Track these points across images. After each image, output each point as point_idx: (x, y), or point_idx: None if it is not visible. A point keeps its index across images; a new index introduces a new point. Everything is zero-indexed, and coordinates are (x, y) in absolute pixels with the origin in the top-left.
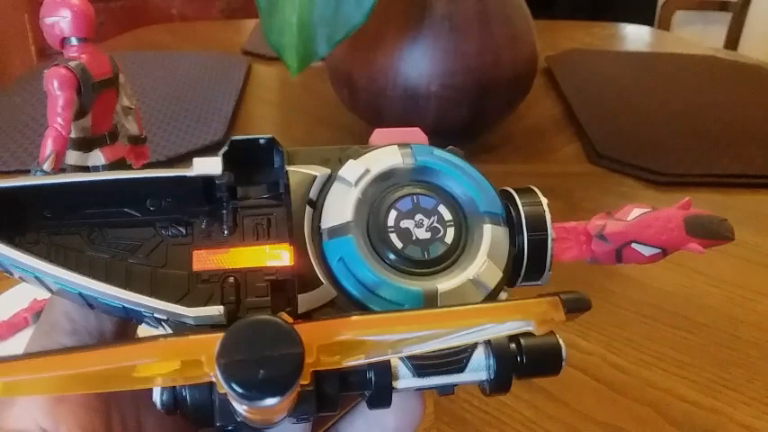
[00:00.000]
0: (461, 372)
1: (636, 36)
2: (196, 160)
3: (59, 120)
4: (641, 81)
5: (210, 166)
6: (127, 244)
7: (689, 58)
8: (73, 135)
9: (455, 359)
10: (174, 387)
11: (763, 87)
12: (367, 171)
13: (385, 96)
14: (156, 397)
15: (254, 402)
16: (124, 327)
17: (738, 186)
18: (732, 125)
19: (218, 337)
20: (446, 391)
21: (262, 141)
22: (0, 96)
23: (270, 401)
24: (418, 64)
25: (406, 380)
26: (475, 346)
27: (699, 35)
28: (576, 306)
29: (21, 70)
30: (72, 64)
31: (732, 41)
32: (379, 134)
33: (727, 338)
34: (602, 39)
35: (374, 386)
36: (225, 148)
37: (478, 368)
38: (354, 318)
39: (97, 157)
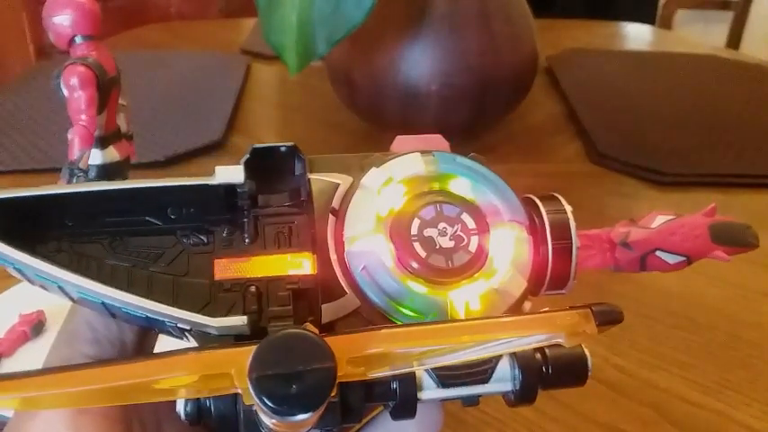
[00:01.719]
0: (486, 383)
1: (637, 35)
2: (218, 168)
3: (84, 117)
4: (642, 80)
5: (233, 174)
6: (148, 252)
7: (690, 58)
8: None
9: (480, 370)
10: (198, 398)
11: (765, 87)
12: (390, 179)
13: (385, 96)
14: (180, 408)
15: (286, 417)
16: (145, 335)
17: (740, 186)
18: (734, 125)
19: (248, 350)
20: (471, 401)
21: (283, 149)
22: None
23: (301, 417)
24: (418, 63)
25: (430, 391)
26: (500, 356)
27: (700, 34)
28: (608, 318)
29: (19, 70)
30: (89, 60)
31: (734, 41)
32: (400, 141)
33: (729, 339)
34: (604, 38)
35: (399, 397)
36: (246, 156)
37: (503, 378)
38: (384, 331)
39: (112, 154)
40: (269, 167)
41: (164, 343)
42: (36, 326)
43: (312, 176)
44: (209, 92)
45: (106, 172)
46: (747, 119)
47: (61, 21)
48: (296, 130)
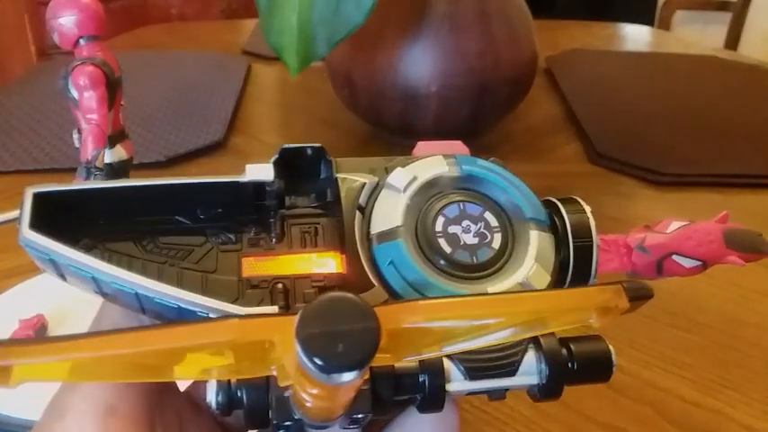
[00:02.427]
0: (513, 375)
1: (636, 36)
2: (249, 166)
3: (96, 116)
4: (641, 81)
5: (263, 172)
6: (178, 250)
7: (689, 58)
8: None
9: (507, 362)
10: (229, 388)
11: (764, 87)
12: (414, 178)
13: (385, 97)
14: (212, 397)
15: (332, 377)
16: None
17: (738, 186)
18: (732, 125)
19: (291, 318)
20: (497, 395)
21: (309, 151)
22: None
23: (348, 376)
24: (418, 64)
25: (458, 383)
26: (526, 349)
27: (699, 35)
28: (639, 294)
29: (20, 70)
30: (97, 60)
31: (732, 41)
32: (422, 146)
33: (728, 338)
34: (603, 39)
35: (428, 389)
36: (276, 156)
37: (530, 372)
38: (421, 302)
39: (120, 152)
40: (296, 169)
41: None
42: (39, 329)
43: (339, 176)
44: (209, 92)
45: (114, 170)
46: (745, 119)
47: (66, 22)
48: (296, 131)
